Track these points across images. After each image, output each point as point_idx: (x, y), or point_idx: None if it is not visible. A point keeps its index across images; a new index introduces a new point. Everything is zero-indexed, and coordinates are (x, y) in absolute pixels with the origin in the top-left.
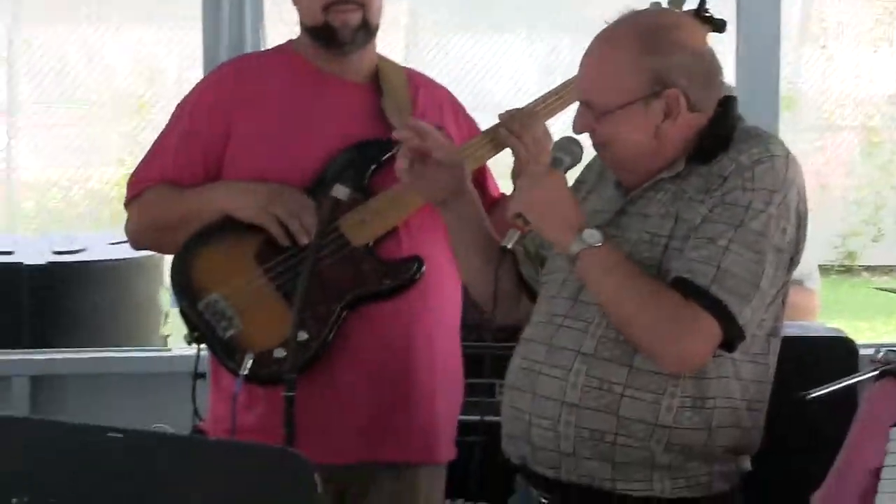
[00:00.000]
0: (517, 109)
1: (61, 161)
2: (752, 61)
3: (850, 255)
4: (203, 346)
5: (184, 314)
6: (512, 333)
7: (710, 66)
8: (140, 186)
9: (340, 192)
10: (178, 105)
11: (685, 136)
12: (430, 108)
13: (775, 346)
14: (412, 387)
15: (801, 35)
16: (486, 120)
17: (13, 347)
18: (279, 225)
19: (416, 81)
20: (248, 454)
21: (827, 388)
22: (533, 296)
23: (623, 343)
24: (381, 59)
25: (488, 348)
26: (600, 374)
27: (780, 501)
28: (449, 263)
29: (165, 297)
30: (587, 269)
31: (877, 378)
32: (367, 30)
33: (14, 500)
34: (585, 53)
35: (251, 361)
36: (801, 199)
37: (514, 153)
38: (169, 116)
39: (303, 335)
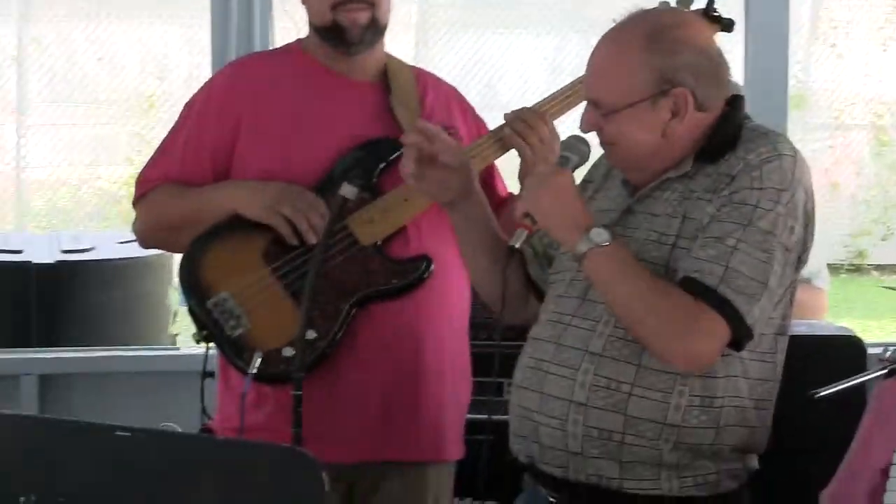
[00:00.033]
0: (523, 109)
1: (71, 160)
2: (761, 60)
3: (860, 254)
4: (211, 344)
5: (192, 313)
6: (521, 332)
7: (718, 64)
8: (148, 185)
9: (348, 191)
10: (187, 104)
11: (693, 135)
12: (438, 108)
13: (783, 344)
14: (420, 385)
15: (811, 34)
16: (496, 119)
17: (22, 346)
18: (287, 224)
19: (424, 80)
20: (255, 453)
21: (835, 387)
22: (541, 296)
23: (631, 342)
24: (390, 58)
25: (497, 347)
26: (608, 373)
27: (788, 500)
28: (457, 262)
29: (174, 295)
30: (595, 269)
31: (885, 377)
32: (376, 29)
33: (22, 498)
34: (593, 52)
35: (260, 360)
36: (809, 198)
37: (520, 154)
38: (178, 115)
39: (311, 334)
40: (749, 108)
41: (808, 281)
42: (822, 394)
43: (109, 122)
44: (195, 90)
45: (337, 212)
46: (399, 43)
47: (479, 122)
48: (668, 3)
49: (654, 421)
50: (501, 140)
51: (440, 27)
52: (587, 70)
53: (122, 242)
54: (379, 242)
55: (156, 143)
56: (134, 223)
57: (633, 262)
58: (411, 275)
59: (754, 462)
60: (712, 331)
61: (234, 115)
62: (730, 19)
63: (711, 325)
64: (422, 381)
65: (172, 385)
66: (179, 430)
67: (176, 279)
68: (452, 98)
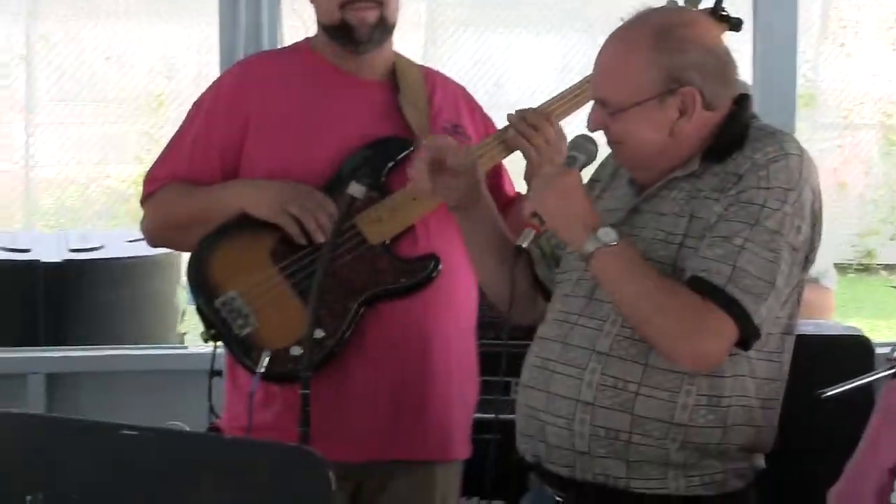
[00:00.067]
0: (527, 110)
1: (79, 158)
2: (770, 59)
3: (868, 253)
4: (219, 343)
5: (200, 312)
6: (528, 332)
7: (725, 63)
8: (156, 184)
9: (356, 190)
10: (195, 103)
11: (700, 134)
12: (446, 107)
13: (789, 344)
14: (428, 385)
15: (821, 33)
16: (504, 118)
17: (29, 345)
18: (295, 223)
19: (432, 79)
20: (262, 452)
21: (842, 386)
22: (548, 296)
23: (638, 341)
24: (398, 56)
25: (504, 346)
26: (615, 372)
27: (795, 500)
28: (465, 261)
29: (182, 294)
30: (602, 268)
31: (893, 376)
32: (385, 27)
33: (28, 497)
34: (600, 51)
35: (268, 359)
36: (816, 198)
37: (525, 155)
38: (186, 114)
39: (319, 333)
40: (757, 107)
41: (815, 281)
42: (829, 393)
43: (118, 120)
44: (204, 89)
45: (345, 211)
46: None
47: (487, 122)
48: (676, 1)
49: (662, 420)
50: (506, 142)
51: (449, 26)
52: (594, 69)
53: (130, 241)
54: (387, 241)
55: (164, 142)
56: (142, 222)
57: (640, 262)
58: (420, 274)
59: (761, 461)
60: (720, 330)
61: (242, 114)
62: (738, 18)
63: (719, 324)
64: (429, 380)
65: (180, 384)
66: (186, 428)
67: (184, 278)
68: (460, 97)
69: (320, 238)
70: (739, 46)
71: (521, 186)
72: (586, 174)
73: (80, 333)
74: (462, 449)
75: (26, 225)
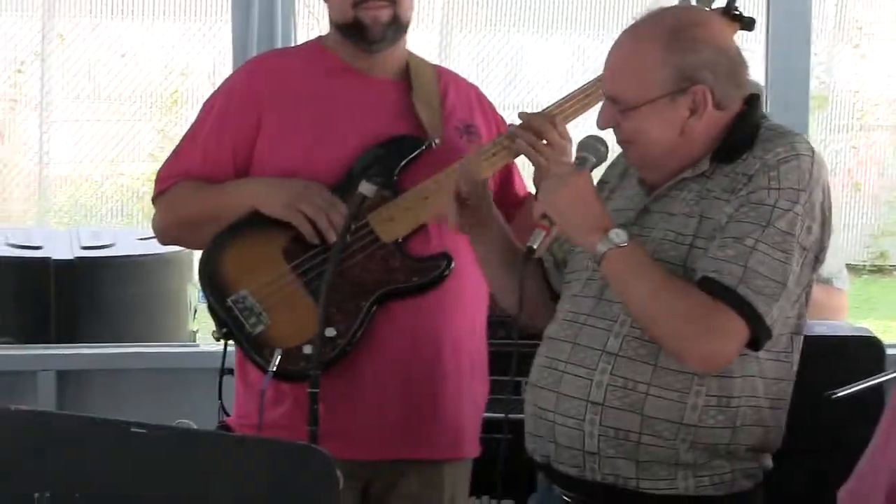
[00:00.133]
0: (532, 115)
1: (93, 156)
2: (783, 60)
3: (882, 254)
4: (230, 342)
5: (212, 310)
6: (539, 331)
7: (736, 63)
8: (168, 182)
9: (367, 189)
10: (207, 101)
11: (710, 133)
12: (459, 106)
13: (798, 344)
14: (438, 384)
15: (835, 34)
16: (517, 118)
17: (40, 342)
18: (307, 222)
19: (446, 79)
20: (270, 450)
21: (853, 387)
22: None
23: (648, 342)
24: (412, 55)
25: (514, 346)
26: (625, 372)
27: (804, 500)
28: (477, 261)
29: (193, 292)
30: (613, 269)
31: None
32: (398, 26)
33: (36, 494)
34: (612, 49)
35: (279, 358)
36: (826, 197)
37: (531, 161)
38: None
39: (331, 331)
40: (771, 108)
41: (828, 282)
42: (839, 394)
43: (132, 118)
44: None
45: (355, 210)
46: (422, 41)
47: (499, 121)
48: (689, 1)
49: (671, 421)
50: (510, 147)
51: (463, 25)
52: (606, 66)
53: (141, 239)
54: (400, 240)
55: (179, 140)
56: (153, 219)
57: (650, 263)
58: (432, 272)
59: (769, 461)
60: (731, 331)
61: (254, 112)
62: (750, 18)
63: (730, 325)
64: (440, 379)
65: (191, 382)
66: (195, 426)
67: (196, 276)
68: (474, 97)
69: (332, 237)
70: (753, 47)
71: (531, 187)
72: (596, 175)
73: (91, 331)
74: (471, 448)
75: (40, 222)
